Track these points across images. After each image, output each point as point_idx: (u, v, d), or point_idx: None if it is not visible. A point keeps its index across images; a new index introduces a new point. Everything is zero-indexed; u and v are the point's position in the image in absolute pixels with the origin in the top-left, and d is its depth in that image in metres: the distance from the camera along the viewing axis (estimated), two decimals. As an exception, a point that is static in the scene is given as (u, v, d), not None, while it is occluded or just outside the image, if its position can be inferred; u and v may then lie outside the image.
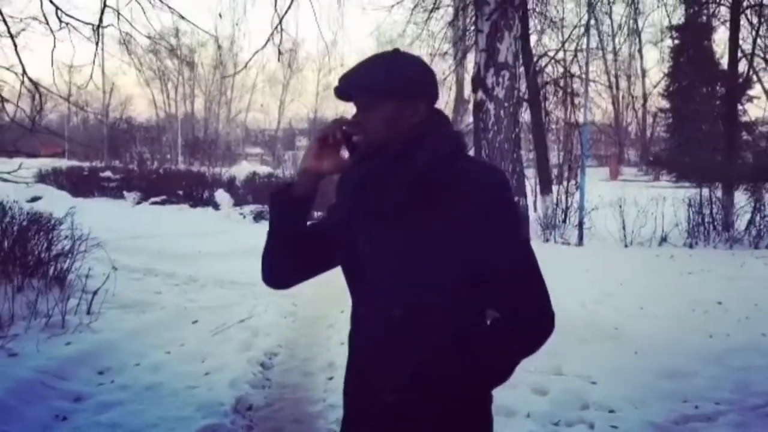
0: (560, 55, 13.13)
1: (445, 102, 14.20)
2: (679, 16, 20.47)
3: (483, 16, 5.10)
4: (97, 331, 5.34)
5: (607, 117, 36.52)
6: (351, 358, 1.61)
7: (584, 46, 12.03)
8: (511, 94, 5.18)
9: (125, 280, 7.09)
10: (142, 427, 3.65)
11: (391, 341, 1.47)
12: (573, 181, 11.84)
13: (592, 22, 11.89)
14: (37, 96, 6.23)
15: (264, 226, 1.69)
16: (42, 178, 19.27)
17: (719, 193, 10.71)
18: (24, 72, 5.59)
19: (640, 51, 39.61)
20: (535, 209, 11.67)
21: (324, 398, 4.19)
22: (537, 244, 8.19)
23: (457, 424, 1.47)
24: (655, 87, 36.60)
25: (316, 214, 2.10)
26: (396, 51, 1.56)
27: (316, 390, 4.42)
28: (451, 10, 13.11)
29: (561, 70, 13.21)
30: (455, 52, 13.66)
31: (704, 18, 18.98)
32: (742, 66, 12.73)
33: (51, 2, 5.79)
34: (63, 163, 24.74)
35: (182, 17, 6.63)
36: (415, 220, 1.43)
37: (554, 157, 15.51)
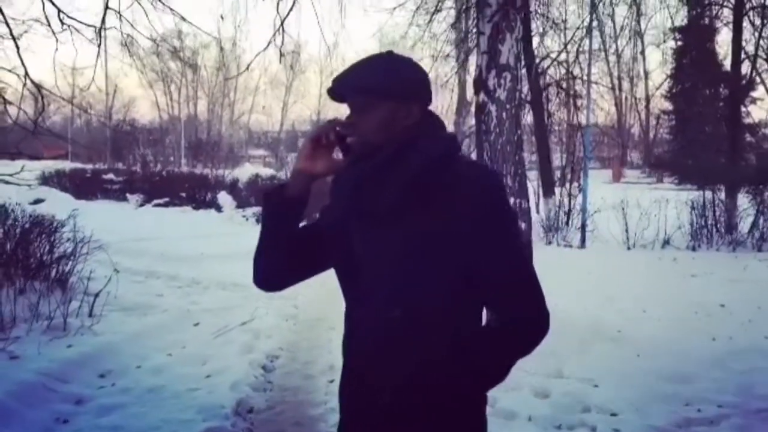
0: (563, 56, 13.10)
1: (447, 104, 14.23)
2: (681, 18, 20.53)
3: (484, 17, 5.09)
4: (99, 333, 5.35)
5: (609, 119, 36.55)
6: (346, 361, 1.61)
7: (587, 48, 12.02)
8: (513, 96, 5.17)
9: (127, 283, 7.09)
10: (143, 430, 3.65)
11: (389, 342, 1.47)
12: (575, 184, 11.81)
13: (595, 23, 11.86)
14: (39, 98, 6.24)
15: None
16: (45, 180, 19.30)
17: (722, 196, 10.68)
18: (26, 74, 5.60)
19: (642, 53, 39.75)
20: (538, 211, 11.64)
21: (325, 401, 4.18)
22: (539, 247, 8.19)
23: (453, 425, 1.47)
24: (657, 89, 36.72)
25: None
26: (390, 53, 1.56)
27: (318, 393, 4.42)
28: (453, 12, 13.11)
29: (563, 71, 13.19)
30: (457, 54, 13.66)
31: (707, 20, 18.99)
32: (745, 68, 12.74)
33: (53, 4, 5.80)
34: (66, 165, 24.81)
35: (184, 19, 6.65)
36: (412, 221, 1.43)
37: (557, 159, 15.48)
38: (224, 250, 9.98)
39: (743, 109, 14.28)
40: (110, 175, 21.58)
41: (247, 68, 8.41)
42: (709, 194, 10.37)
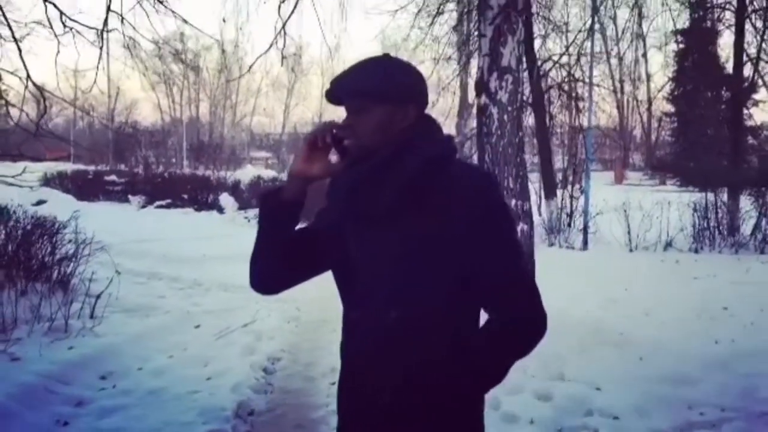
0: (564, 59, 13.09)
1: (449, 107, 14.21)
2: (683, 21, 20.48)
3: (486, 20, 5.09)
4: (100, 335, 5.34)
5: (611, 121, 36.45)
6: (345, 363, 1.61)
7: (588, 51, 12.01)
8: (515, 98, 5.16)
9: (129, 284, 7.09)
10: (143, 432, 3.64)
11: (387, 343, 1.48)
12: (577, 186, 11.79)
13: (597, 26, 11.86)
14: (41, 100, 6.25)
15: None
16: (47, 181, 19.35)
17: (724, 198, 10.65)
18: (28, 76, 5.61)
19: (644, 55, 39.71)
20: (540, 213, 11.61)
21: (327, 403, 4.17)
22: (541, 249, 8.17)
23: (452, 425, 1.48)
24: (659, 91, 36.71)
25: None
26: (387, 56, 1.57)
27: (319, 395, 4.41)
28: (455, 14, 13.12)
29: (565, 74, 13.17)
30: (459, 56, 13.65)
31: (709, 22, 18.97)
32: (747, 70, 12.71)
33: (55, 7, 5.81)
34: (68, 166, 24.88)
35: (186, 21, 6.65)
36: (409, 223, 1.44)
37: (558, 161, 15.46)
38: (226, 251, 9.97)
39: (745, 111, 14.22)
40: (112, 177, 21.63)
41: (249, 70, 8.44)
42: (711, 196, 10.35)
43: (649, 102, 41.81)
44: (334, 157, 1.53)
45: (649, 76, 41.96)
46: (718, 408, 3.98)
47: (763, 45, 12.22)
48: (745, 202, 10.66)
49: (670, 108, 31.83)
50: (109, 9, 6.16)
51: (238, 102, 52.47)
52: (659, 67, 56.38)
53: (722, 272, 7.83)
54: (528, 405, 3.96)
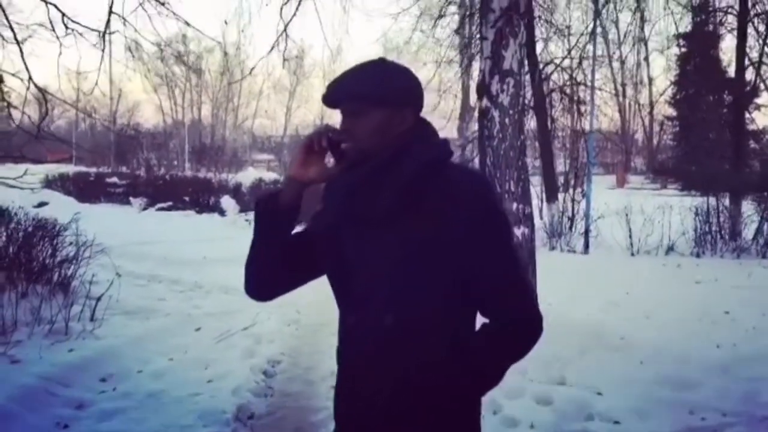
0: (566, 62, 13.11)
1: (450, 109, 14.22)
2: (686, 25, 20.51)
3: (488, 23, 5.08)
4: (101, 337, 5.33)
5: (613, 125, 36.49)
6: (342, 366, 1.62)
7: (590, 54, 12.02)
8: (516, 102, 5.16)
9: (130, 287, 7.09)
10: (143, 435, 3.64)
11: (384, 346, 1.48)
12: (579, 189, 11.79)
13: (599, 29, 11.87)
14: (43, 102, 6.25)
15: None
16: (49, 183, 19.36)
17: (726, 202, 10.64)
18: (30, 78, 5.62)
19: (646, 59, 39.76)
20: (541, 217, 11.61)
21: (327, 407, 4.16)
22: (542, 252, 8.17)
23: (449, 427, 1.48)
24: (661, 95, 36.74)
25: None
26: (382, 59, 1.57)
27: (319, 398, 4.40)
28: (457, 17, 13.16)
29: (567, 77, 13.18)
30: (461, 59, 13.67)
31: (711, 26, 18.97)
32: (750, 74, 12.69)
33: (57, 9, 5.83)
34: (70, 168, 24.88)
35: (188, 24, 6.67)
36: (407, 226, 1.44)
37: (560, 164, 15.48)
38: (227, 254, 9.94)
39: (747, 115, 14.19)
40: (114, 179, 21.66)
41: (251, 72, 8.48)
42: (713, 201, 10.34)
43: (651, 106, 41.81)
44: (330, 161, 1.53)
45: (651, 80, 41.99)
46: (719, 413, 3.96)
47: (766, 49, 12.21)
48: (747, 207, 10.66)
49: (672, 112, 31.78)
50: (111, 11, 6.18)
51: (240, 104, 52.60)
52: (661, 71, 56.39)
53: (724, 276, 7.82)
54: (528, 409, 3.95)
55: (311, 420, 4.08)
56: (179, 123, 49.18)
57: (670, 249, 9.96)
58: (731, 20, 13.47)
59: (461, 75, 14.28)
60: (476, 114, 5.98)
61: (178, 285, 8.14)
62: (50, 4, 5.88)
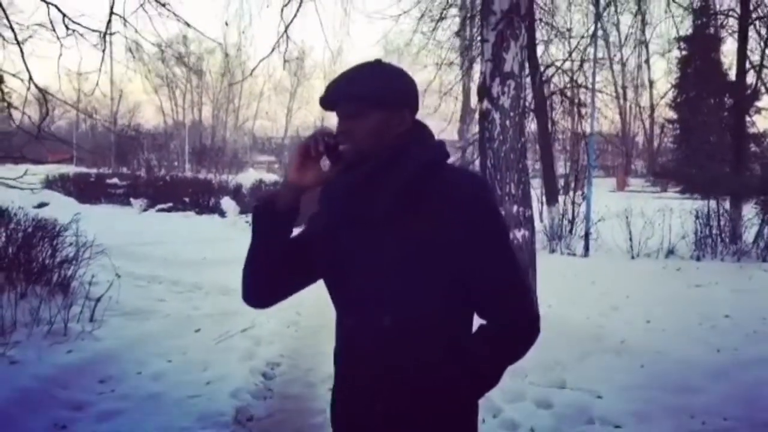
0: (567, 65, 13.12)
1: (451, 112, 14.21)
2: (687, 27, 20.51)
3: (489, 25, 5.08)
4: (100, 338, 5.32)
5: (614, 127, 36.47)
6: (339, 369, 1.63)
7: (591, 56, 12.02)
8: (517, 104, 5.16)
9: (129, 288, 7.07)
10: (141, 437, 3.62)
11: (382, 347, 1.48)
12: (579, 192, 11.79)
13: (600, 32, 11.87)
14: (43, 103, 6.25)
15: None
16: (49, 184, 19.37)
17: (727, 205, 10.63)
18: (30, 79, 5.62)
19: (647, 61, 39.84)
20: (541, 220, 11.61)
21: (326, 409, 4.13)
22: (543, 255, 8.15)
23: (447, 429, 1.48)
24: (662, 98, 36.74)
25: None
26: (378, 61, 1.57)
27: (318, 401, 4.38)
28: (457, 19, 13.16)
29: (568, 80, 13.19)
30: (462, 61, 13.66)
31: (712, 29, 18.99)
32: (751, 77, 12.68)
33: (58, 9, 5.83)
34: (70, 169, 24.89)
35: (188, 25, 6.67)
36: (405, 228, 1.44)
37: (561, 167, 15.47)
38: (227, 255, 9.93)
39: (748, 118, 14.19)
40: (114, 180, 21.67)
41: (251, 74, 8.47)
42: (713, 204, 10.33)
43: (652, 108, 41.87)
44: (326, 164, 1.52)
45: (651, 83, 42.05)
46: (720, 417, 3.94)
47: (767, 52, 12.21)
48: (748, 210, 10.64)
49: (672, 115, 31.82)
50: (112, 12, 6.18)
51: (241, 105, 52.68)
52: (662, 74, 56.55)
53: (724, 280, 7.81)
54: (528, 412, 3.94)
55: (311, 422, 4.07)
56: (180, 124, 49.23)
57: (671, 252, 9.94)
58: (732, 23, 13.47)
59: (462, 77, 14.27)
60: (477, 116, 5.97)
61: (177, 286, 8.14)
62: (51, 4, 5.88)
